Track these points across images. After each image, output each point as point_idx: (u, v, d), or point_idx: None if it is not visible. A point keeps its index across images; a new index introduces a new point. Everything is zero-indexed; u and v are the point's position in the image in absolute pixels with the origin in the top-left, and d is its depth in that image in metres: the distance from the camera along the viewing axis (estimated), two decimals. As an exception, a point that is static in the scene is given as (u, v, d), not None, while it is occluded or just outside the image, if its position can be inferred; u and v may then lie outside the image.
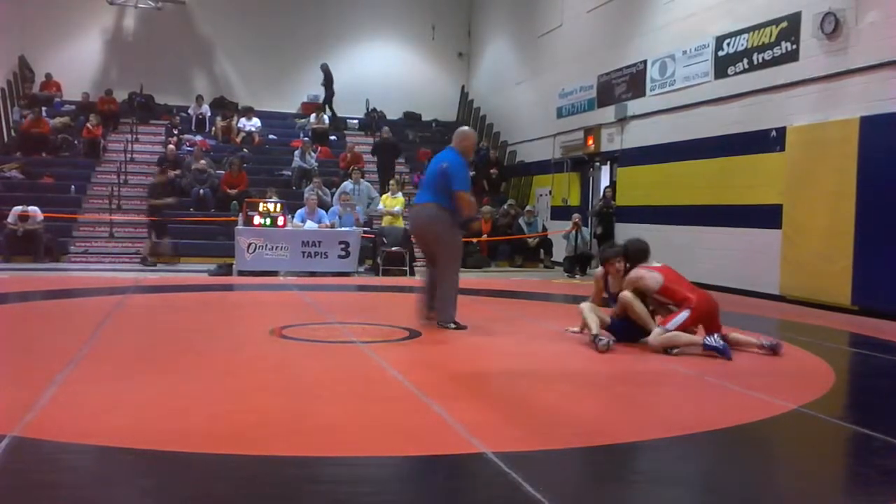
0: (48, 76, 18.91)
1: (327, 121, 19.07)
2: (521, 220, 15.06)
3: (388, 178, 15.76)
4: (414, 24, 21.45)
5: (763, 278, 9.99)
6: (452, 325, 6.40)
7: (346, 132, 19.86)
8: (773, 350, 5.54)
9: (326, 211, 13.04)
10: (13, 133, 17.10)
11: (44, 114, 17.15)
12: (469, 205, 6.36)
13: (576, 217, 14.14)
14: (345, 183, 14.40)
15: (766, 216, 9.94)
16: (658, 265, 5.84)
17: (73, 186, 15.18)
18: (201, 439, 3.28)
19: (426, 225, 6.52)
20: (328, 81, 19.69)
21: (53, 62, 19.02)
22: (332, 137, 19.12)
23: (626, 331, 5.78)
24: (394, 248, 12.70)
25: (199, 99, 19.15)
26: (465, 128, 6.93)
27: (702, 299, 5.60)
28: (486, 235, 14.64)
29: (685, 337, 5.45)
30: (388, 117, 20.65)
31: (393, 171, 16.85)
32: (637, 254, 5.89)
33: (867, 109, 8.59)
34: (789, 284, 9.61)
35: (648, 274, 5.68)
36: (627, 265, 5.87)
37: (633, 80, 13.26)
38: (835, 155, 8.89)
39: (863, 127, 8.58)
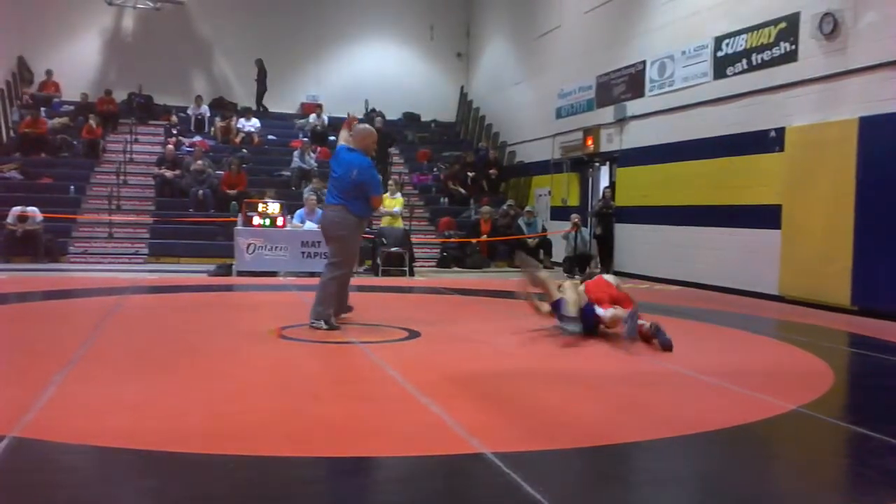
0: (48, 75, 18.89)
1: (327, 121, 19.07)
2: (520, 221, 15.06)
3: (384, 168, 15.68)
4: (413, 25, 21.44)
5: (762, 278, 9.99)
6: (325, 326, 6.34)
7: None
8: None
9: (325, 211, 13.01)
10: (12, 134, 17.09)
11: (42, 114, 17.14)
12: (380, 203, 7.31)
13: (575, 217, 14.13)
14: (344, 183, 14.36)
15: (766, 216, 9.94)
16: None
17: (72, 187, 15.16)
18: (200, 439, 3.28)
19: (333, 228, 6.61)
20: (262, 77, 19.71)
21: (52, 63, 18.95)
22: (332, 138, 19.10)
23: (587, 323, 6.20)
24: (393, 249, 12.70)
25: (199, 99, 19.14)
26: (364, 125, 7.17)
27: (590, 284, 6.53)
28: (485, 236, 14.64)
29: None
30: (388, 118, 20.62)
31: (388, 161, 16.77)
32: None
33: (866, 110, 8.59)
34: (788, 284, 9.61)
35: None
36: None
37: (632, 81, 13.26)
38: (834, 155, 8.89)
39: (862, 127, 8.58)
